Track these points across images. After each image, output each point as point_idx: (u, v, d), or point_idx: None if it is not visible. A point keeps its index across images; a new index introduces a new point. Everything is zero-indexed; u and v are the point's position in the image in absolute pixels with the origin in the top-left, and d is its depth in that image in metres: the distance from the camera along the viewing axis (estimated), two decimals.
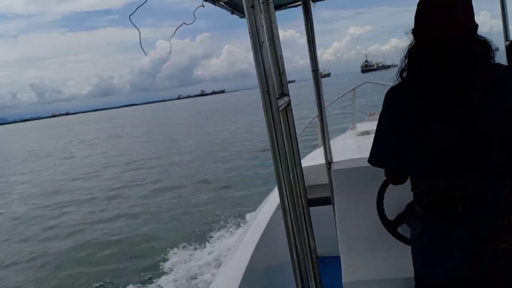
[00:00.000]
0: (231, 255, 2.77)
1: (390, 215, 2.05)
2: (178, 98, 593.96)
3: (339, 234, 2.21)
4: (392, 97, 1.50)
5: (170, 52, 2.05)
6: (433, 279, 1.50)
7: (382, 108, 1.52)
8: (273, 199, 3.86)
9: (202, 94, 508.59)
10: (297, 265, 1.16)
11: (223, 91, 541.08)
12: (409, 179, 1.58)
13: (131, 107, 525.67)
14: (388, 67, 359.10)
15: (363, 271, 1.99)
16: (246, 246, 2.72)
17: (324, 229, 3.77)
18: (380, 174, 1.72)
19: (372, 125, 6.09)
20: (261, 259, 2.68)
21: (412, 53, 1.45)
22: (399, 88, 1.49)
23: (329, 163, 2.33)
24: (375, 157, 1.58)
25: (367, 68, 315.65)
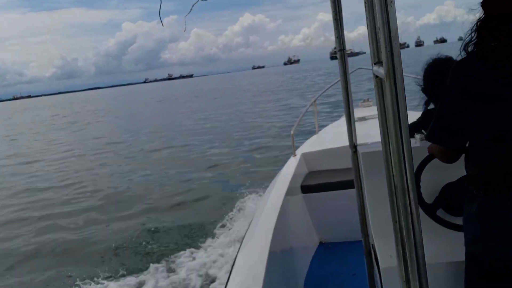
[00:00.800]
0: (249, 241, 2.81)
1: (426, 199, 2.05)
2: (144, 82, 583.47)
3: (371, 219, 2.16)
4: (462, 71, 1.46)
5: (184, 31, 2.11)
6: (493, 264, 1.45)
7: (448, 83, 1.48)
8: (281, 185, 3.85)
9: (170, 78, 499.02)
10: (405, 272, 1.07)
11: (191, 76, 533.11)
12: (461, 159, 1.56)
13: (96, 90, 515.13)
14: (357, 54, 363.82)
15: None
16: (264, 232, 2.79)
17: (341, 213, 3.89)
18: None
19: (367, 111, 6.14)
20: (280, 244, 2.65)
21: (481, 27, 1.42)
22: (467, 63, 1.46)
23: (354, 146, 2.28)
24: (436, 134, 1.55)
25: (336, 55, 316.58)
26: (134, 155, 15.24)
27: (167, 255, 5.84)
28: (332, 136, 5.66)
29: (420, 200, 1.96)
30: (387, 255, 1.96)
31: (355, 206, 2.80)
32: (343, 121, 6.62)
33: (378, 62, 1.12)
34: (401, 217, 1.04)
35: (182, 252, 5.76)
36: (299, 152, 4.82)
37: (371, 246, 2.27)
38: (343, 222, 3.90)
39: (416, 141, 2.06)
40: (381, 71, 1.03)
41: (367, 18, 1.10)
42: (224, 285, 2.31)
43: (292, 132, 4.96)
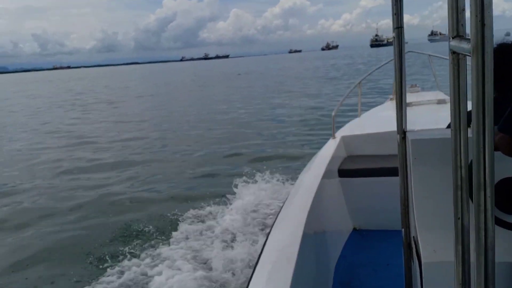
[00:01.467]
0: (282, 221, 2.78)
1: None
2: (181, 60, 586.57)
3: (416, 210, 2.04)
4: None
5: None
6: None
7: None
8: (318, 167, 3.80)
9: (206, 58, 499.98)
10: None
11: (227, 56, 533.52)
12: None
13: (134, 65, 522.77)
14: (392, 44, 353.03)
15: (446, 252, 1.82)
16: (298, 214, 2.75)
17: (378, 201, 3.84)
18: None
19: (413, 97, 5.96)
20: (313, 227, 2.62)
21: None
22: None
23: (403, 132, 2.15)
24: (508, 125, 1.49)
25: (376, 42, 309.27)
26: None
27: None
28: (374, 121, 5.55)
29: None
30: (430, 249, 1.85)
31: (393, 194, 2.75)
32: (386, 106, 6.33)
33: (458, 36, 1.01)
34: (465, 214, 0.98)
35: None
36: (339, 134, 4.72)
37: (412, 238, 2.13)
38: (379, 210, 3.91)
39: (470, 131, 1.72)
40: (463, 45, 0.94)
41: None
42: (255, 264, 2.27)
43: (333, 113, 4.81)
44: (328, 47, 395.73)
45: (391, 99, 6.82)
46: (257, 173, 7.32)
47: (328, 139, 4.78)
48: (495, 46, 2.07)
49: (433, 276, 1.81)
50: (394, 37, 2.05)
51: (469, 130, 1.61)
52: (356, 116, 5.96)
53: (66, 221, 7.04)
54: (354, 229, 4.10)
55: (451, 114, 1.01)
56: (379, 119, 5.61)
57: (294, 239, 2.40)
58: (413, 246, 2.10)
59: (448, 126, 1.98)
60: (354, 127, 5.20)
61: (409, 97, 6.17)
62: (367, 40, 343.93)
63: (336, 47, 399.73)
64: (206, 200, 6.66)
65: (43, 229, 6.75)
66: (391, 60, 7.01)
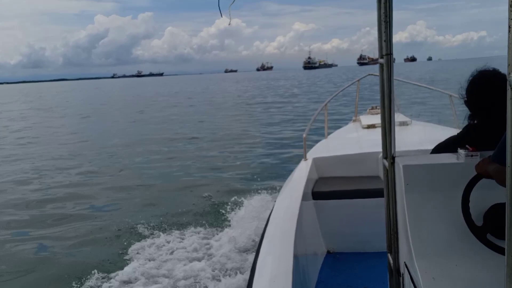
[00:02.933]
0: (267, 245, 2.81)
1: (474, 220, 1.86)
2: (112, 77, 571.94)
3: (411, 237, 1.87)
4: None
5: (229, 24, 2.33)
6: None
7: None
8: (294, 190, 3.82)
9: (139, 75, 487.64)
10: None
11: (161, 74, 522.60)
12: None
13: (62, 81, 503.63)
14: (330, 65, 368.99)
15: (445, 280, 1.74)
16: (281, 237, 2.82)
17: (351, 223, 4.03)
18: (454, 173, 1.84)
19: (375, 119, 5.90)
20: (293, 252, 2.57)
21: None
22: None
23: (392, 157, 2.03)
24: (503, 155, 1.27)
25: (309, 65, 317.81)
26: None
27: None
28: (342, 142, 5.69)
29: (469, 222, 1.83)
30: (429, 277, 1.78)
31: (366, 216, 3.72)
32: (350, 127, 6.72)
33: None
34: None
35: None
36: (310, 156, 4.76)
37: (401, 264, 2.05)
38: (353, 233, 4.00)
39: (460, 157, 1.92)
40: None
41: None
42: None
43: (304, 135, 4.89)
44: (263, 68, 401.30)
45: (353, 120, 6.92)
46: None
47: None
48: (476, 73, 2.16)
49: None
50: (381, 64, 1.99)
51: (454, 155, 1.94)
52: (322, 138, 6.01)
53: None
54: (328, 252, 4.08)
55: (508, 143, 0.99)
56: (346, 141, 5.78)
57: (280, 265, 2.41)
58: (405, 272, 1.97)
59: (433, 151, 2.27)
60: (322, 149, 5.27)
61: (371, 119, 6.19)
62: (300, 63, 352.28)
63: (270, 68, 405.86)
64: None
65: None
66: (353, 83, 6.93)
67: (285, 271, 2.30)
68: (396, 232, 2.07)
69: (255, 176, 10.05)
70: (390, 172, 2.06)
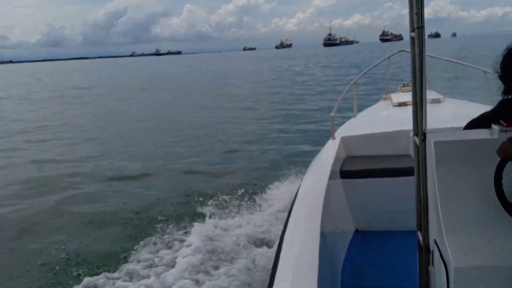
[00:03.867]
0: (293, 223, 2.84)
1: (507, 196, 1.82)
2: (131, 55, 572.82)
3: (441, 213, 1.87)
4: None
5: None
6: None
7: None
8: (321, 168, 3.80)
9: (157, 54, 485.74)
10: None
11: (179, 52, 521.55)
12: None
13: (82, 60, 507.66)
14: (351, 42, 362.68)
15: (476, 256, 1.75)
16: (308, 215, 2.85)
17: (381, 202, 4.05)
18: (487, 149, 1.80)
19: (407, 97, 5.91)
20: (320, 229, 2.57)
21: None
22: None
23: (424, 133, 2.01)
24: None
25: (330, 42, 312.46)
26: None
27: None
28: (371, 121, 5.65)
29: (502, 199, 1.79)
30: (460, 253, 1.76)
31: (396, 195, 3.69)
32: (380, 106, 6.70)
33: None
34: None
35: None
36: (338, 135, 4.75)
37: (431, 241, 2.03)
38: (382, 211, 4.02)
39: (494, 133, 1.89)
40: None
41: None
42: (272, 271, 2.31)
43: (332, 113, 4.86)
44: (282, 46, 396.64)
45: (384, 98, 6.84)
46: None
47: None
48: (511, 47, 2.11)
49: (463, 281, 1.73)
50: (413, 38, 1.96)
51: (488, 131, 1.91)
52: (351, 117, 5.90)
53: None
54: (357, 230, 4.11)
55: None
56: (376, 119, 5.69)
57: (307, 242, 2.45)
58: (434, 249, 1.97)
59: (466, 127, 2.25)
60: (351, 128, 5.21)
61: (402, 97, 6.19)
62: (320, 39, 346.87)
63: (290, 45, 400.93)
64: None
65: None
66: (384, 60, 6.75)
67: (312, 247, 2.34)
68: (426, 209, 2.05)
69: (282, 155, 10.26)
70: (421, 149, 2.04)
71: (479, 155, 1.87)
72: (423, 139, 2.02)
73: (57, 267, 5.36)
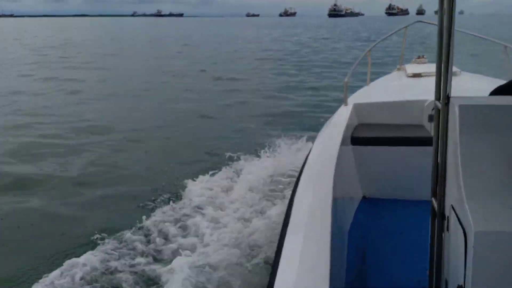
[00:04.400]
0: (303, 187, 2.82)
1: None
2: (132, 15, 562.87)
3: (462, 178, 1.85)
4: None
5: None
6: None
7: None
8: (333, 134, 3.75)
9: (159, 14, 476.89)
10: None
11: (181, 15, 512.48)
12: None
13: (83, 17, 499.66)
14: (357, 14, 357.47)
15: (497, 221, 1.73)
16: (318, 180, 2.85)
17: (390, 170, 4.05)
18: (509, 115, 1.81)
19: (421, 68, 5.90)
20: (331, 194, 2.58)
21: None
22: None
23: (447, 97, 1.95)
24: None
25: (335, 12, 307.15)
26: None
27: None
28: (384, 90, 5.61)
29: None
30: (481, 218, 1.74)
31: (407, 164, 3.79)
32: (394, 75, 6.67)
33: None
34: None
35: None
36: (350, 102, 4.69)
37: (446, 207, 2.04)
38: (390, 179, 4.07)
39: None
40: None
41: None
42: (281, 230, 2.35)
43: (346, 79, 4.81)
44: (286, 14, 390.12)
45: (398, 69, 6.75)
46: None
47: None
48: None
49: (483, 245, 1.71)
50: (441, 4, 1.94)
51: None
52: (364, 85, 5.85)
53: None
54: (364, 197, 4.14)
55: None
56: (389, 88, 5.64)
57: (319, 203, 2.46)
58: (451, 215, 1.97)
59: (492, 94, 2.26)
60: (364, 95, 5.15)
61: (417, 68, 6.09)
62: (325, 10, 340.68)
63: (294, 14, 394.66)
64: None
65: None
66: (400, 30, 6.71)
67: (324, 208, 2.36)
68: (444, 175, 2.03)
69: (293, 120, 10.21)
70: (443, 113, 1.98)
71: (504, 121, 1.86)
72: (446, 103, 1.97)
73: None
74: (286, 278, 1.83)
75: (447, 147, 2.00)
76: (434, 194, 2.11)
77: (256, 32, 70.63)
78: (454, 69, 5.97)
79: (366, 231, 3.56)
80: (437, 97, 2.03)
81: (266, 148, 6.98)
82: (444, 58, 1.94)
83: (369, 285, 3.04)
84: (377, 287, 3.00)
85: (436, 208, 2.09)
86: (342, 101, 4.80)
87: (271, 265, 2.45)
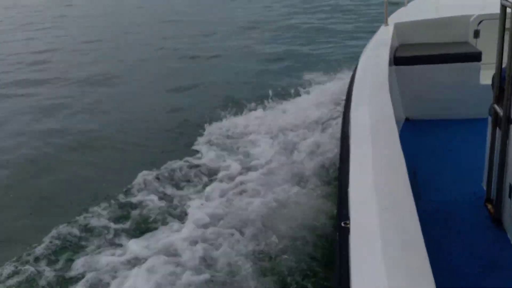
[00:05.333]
0: (354, 105, 2.75)
1: None
2: None
3: None
4: None
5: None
6: None
7: None
8: (375, 55, 3.72)
9: None
10: None
11: None
12: None
13: None
14: None
15: None
16: (363, 102, 2.78)
17: (433, 90, 3.94)
18: None
19: None
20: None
21: None
22: None
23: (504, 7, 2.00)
24: None
25: None
26: None
27: None
28: (425, 8, 5.37)
29: None
30: None
31: (452, 82, 3.67)
32: None
33: None
34: None
35: None
36: (391, 21, 4.57)
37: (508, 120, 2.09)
38: (434, 99, 3.95)
39: None
40: None
41: None
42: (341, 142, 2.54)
43: None
44: None
45: None
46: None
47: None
48: None
49: None
50: None
51: None
52: (402, 5, 5.48)
53: None
54: (407, 119, 4.04)
55: None
56: (429, 7, 5.33)
57: (384, 122, 2.34)
58: None
59: None
60: (404, 15, 4.93)
61: None
62: None
63: None
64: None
65: None
66: None
67: (392, 130, 2.26)
68: (511, 79, 1.97)
69: (333, 40, 10.28)
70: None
71: None
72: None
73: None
74: (359, 186, 1.82)
75: None
76: (496, 100, 2.09)
77: None
78: None
79: (413, 153, 3.42)
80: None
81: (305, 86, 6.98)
82: None
83: (423, 198, 3.00)
84: (431, 199, 2.95)
85: (500, 114, 2.07)
86: (382, 21, 4.64)
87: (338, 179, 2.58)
